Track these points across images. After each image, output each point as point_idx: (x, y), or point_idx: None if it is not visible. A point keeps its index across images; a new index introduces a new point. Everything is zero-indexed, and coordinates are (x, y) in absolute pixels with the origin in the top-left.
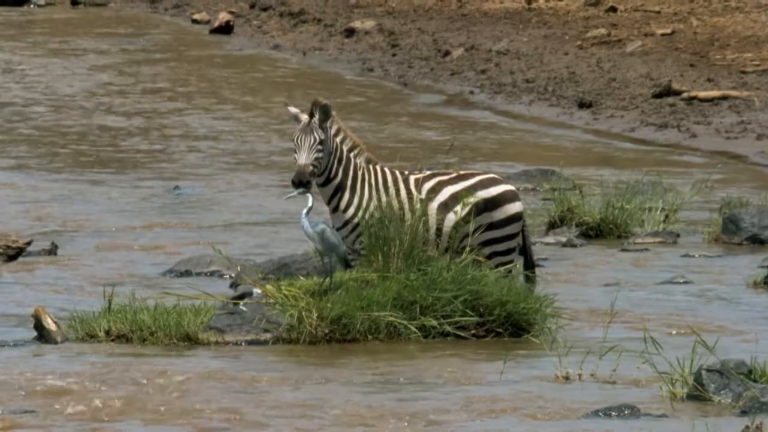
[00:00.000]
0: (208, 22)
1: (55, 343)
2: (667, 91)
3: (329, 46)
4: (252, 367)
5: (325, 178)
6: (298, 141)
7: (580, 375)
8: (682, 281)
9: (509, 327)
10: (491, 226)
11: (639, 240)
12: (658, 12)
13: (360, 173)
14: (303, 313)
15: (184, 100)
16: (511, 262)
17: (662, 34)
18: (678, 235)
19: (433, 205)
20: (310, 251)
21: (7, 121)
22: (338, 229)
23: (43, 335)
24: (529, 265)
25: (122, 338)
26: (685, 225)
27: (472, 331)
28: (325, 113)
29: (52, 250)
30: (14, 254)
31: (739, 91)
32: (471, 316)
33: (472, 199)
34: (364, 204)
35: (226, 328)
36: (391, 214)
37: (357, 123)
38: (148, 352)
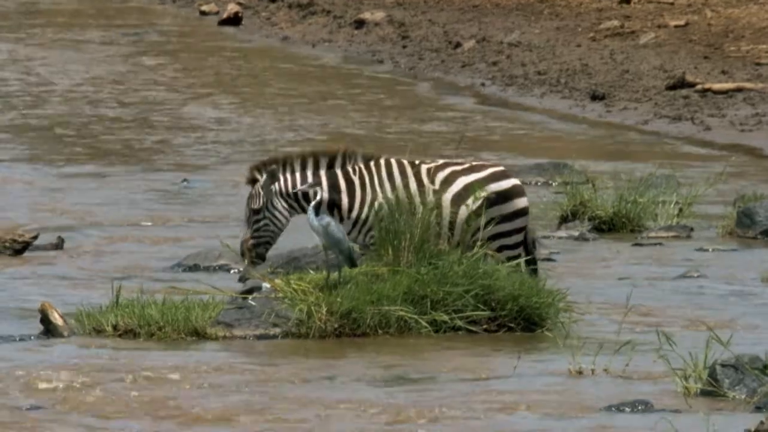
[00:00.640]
0: (216, 13)
1: (62, 337)
2: (681, 83)
3: (339, 37)
4: (261, 362)
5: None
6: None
7: (593, 370)
8: (696, 275)
9: (521, 321)
10: (502, 219)
11: (652, 234)
12: (672, 3)
13: (355, 177)
14: (312, 308)
15: (193, 92)
16: (519, 256)
17: (676, 26)
18: (692, 229)
19: (447, 197)
20: (320, 245)
21: (12, 111)
22: (348, 233)
23: (49, 330)
24: (531, 260)
25: (130, 333)
26: (699, 219)
27: (484, 326)
28: (272, 176)
29: (59, 244)
30: (21, 248)
31: (754, 83)
32: (483, 310)
33: (483, 193)
34: (368, 200)
35: (235, 322)
36: (401, 207)
37: (364, 115)
38: (155, 346)
